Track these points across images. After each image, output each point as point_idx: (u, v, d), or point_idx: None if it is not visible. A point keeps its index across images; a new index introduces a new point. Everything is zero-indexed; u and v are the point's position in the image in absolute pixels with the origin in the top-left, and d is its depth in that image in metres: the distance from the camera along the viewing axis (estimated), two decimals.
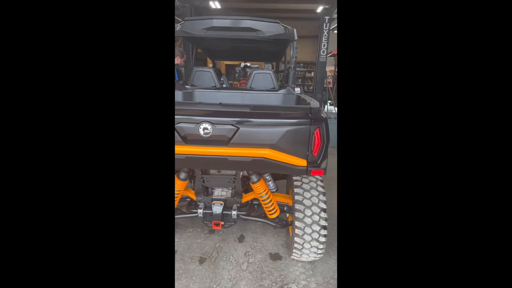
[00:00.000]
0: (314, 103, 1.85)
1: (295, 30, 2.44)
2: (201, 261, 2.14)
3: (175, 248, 2.25)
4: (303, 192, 1.91)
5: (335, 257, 2.20)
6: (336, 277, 2.00)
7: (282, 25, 2.37)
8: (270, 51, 3.41)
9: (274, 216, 2.06)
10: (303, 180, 1.98)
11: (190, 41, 3.46)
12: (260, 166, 1.66)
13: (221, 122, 1.54)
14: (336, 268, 2.09)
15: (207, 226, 2.20)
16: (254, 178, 1.94)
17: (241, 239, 2.43)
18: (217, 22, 2.32)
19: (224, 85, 3.13)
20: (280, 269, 2.08)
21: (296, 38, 2.39)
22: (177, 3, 6.63)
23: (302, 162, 1.61)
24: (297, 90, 2.43)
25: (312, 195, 1.91)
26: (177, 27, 2.34)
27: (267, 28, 2.34)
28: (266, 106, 1.86)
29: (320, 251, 1.94)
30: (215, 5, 9.38)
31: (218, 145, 1.57)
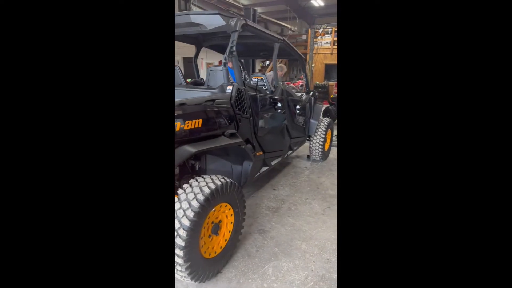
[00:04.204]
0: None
1: (240, 21, 2.13)
2: None
3: None
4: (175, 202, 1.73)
5: None
6: None
7: (224, 16, 2.14)
8: (266, 48, 3.12)
9: None
10: (187, 189, 1.77)
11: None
12: None
13: None
14: None
15: None
16: None
17: None
18: None
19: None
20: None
21: (236, 29, 2.09)
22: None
23: None
24: (229, 88, 2.15)
25: (181, 207, 1.69)
26: None
27: (207, 21, 2.22)
28: None
29: (181, 274, 1.68)
30: (318, 3, 9.02)
31: None
